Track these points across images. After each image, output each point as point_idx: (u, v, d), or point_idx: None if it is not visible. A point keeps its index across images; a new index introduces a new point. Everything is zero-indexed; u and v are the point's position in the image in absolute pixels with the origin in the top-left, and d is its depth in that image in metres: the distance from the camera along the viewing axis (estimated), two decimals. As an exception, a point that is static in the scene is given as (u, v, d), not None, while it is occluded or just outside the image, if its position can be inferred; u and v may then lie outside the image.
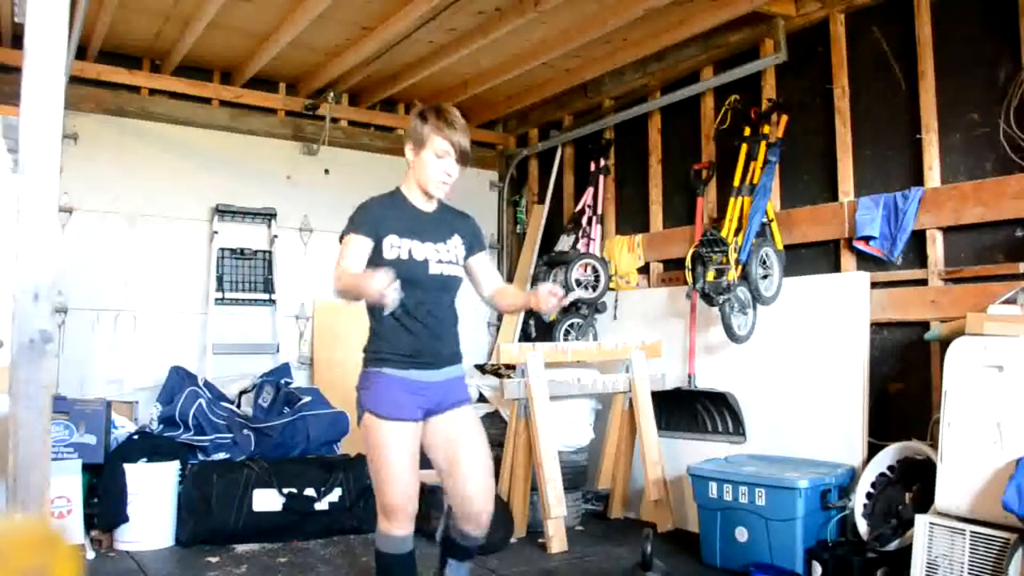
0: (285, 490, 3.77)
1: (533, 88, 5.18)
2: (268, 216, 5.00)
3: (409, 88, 5.00)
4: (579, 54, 4.58)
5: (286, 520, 3.76)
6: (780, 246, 3.87)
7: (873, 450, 3.31)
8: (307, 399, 4.22)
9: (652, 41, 4.33)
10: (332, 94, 4.99)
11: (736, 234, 3.80)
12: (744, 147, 3.95)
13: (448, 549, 2.63)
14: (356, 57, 4.54)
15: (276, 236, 5.01)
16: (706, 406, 4.08)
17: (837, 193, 3.75)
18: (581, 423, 4.14)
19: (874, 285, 3.55)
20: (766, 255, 3.78)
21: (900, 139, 3.54)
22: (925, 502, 2.86)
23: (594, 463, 4.24)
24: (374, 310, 2.43)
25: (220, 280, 4.82)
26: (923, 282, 3.41)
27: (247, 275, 4.93)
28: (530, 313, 5.39)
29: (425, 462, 2.46)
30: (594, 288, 4.64)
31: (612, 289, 4.72)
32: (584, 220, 4.95)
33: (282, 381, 4.40)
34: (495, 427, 4.19)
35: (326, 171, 5.25)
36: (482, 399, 4.49)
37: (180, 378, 4.26)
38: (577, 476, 4.15)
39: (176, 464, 3.76)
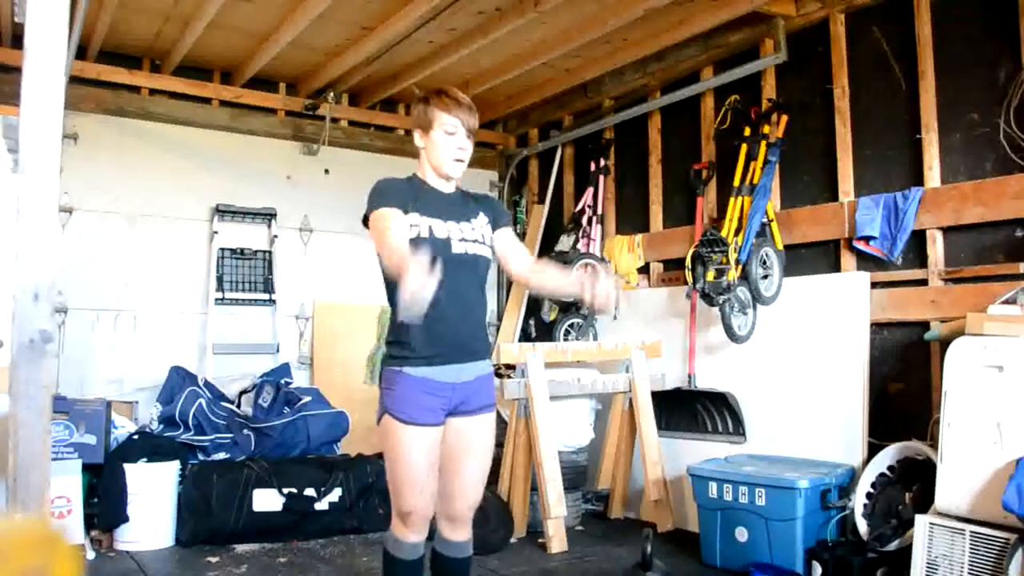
0: (285, 490, 3.77)
1: (533, 88, 5.18)
2: (268, 216, 5.00)
3: (409, 88, 5.00)
4: (579, 54, 4.58)
5: (286, 520, 3.76)
6: (780, 246, 3.87)
7: (873, 450, 3.31)
8: (307, 399, 4.22)
9: (652, 41, 4.33)
10: (332, 94, 4.99)
11: (736, 234, 3.80)
12: (744, 147, 3.95)
13: (441, 572, 2.48)
14: (356, 57, 4.54)
15: (276, 236, 5.01)
16: (706, 406, 4.08)
17: (837, 193, 3.74)
18: (581, 423, 4.14)
19: (874, 285, 3.55)
20: (766, 255, 3.78)
21: (900, 139, 3.54)
22: (925, 502, 2.86)
23: (594, 463, 4.23)
24: (389, 288, 2.29)
25: (220, 280, 4.82)
26: (923, 282, 3.41)
27: (247, 275, 4.93)
28: (530, 313, 5.40)
29: None
30: (594, 288, 4.63)
31: (612, 289, 4.71)
32: (584, 220, 4.95)
33: (282, 381, 4.40)
34: (495, 427, 4.19)
35: (326, 171, 5.26)
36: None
37: (180, 378, 4.26)
38: (577, 476, 4.15)
39: (176, 464, 3.76)
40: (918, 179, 3.44)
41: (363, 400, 4.59)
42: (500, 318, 5.67)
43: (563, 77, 4.96)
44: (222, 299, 4.81)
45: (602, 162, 4.99)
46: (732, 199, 3.90)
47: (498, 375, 4.49)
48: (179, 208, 4.80)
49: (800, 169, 3.95)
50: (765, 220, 3.84)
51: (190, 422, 4.01)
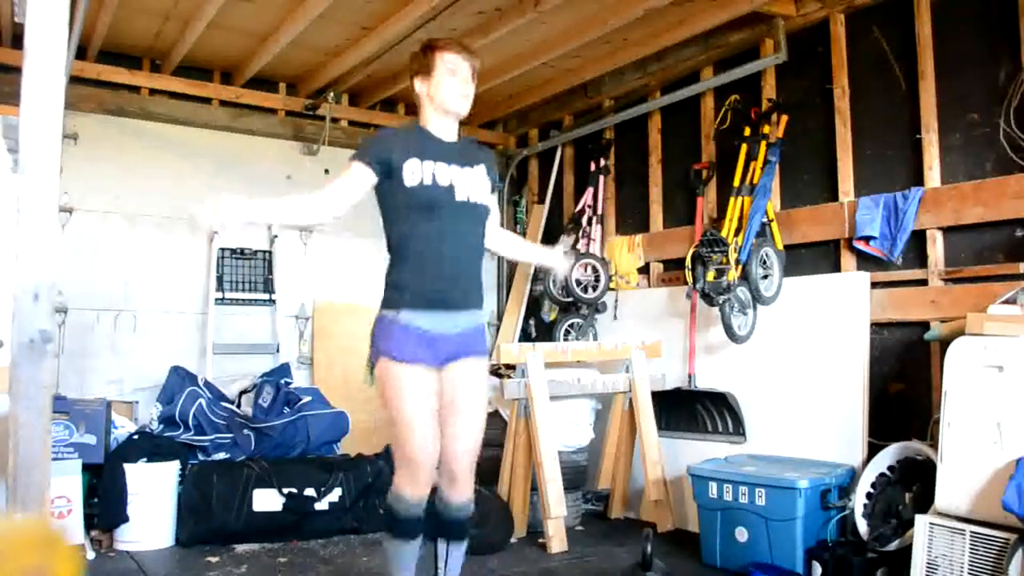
0: (285, 490, 3.77)
1: (533, 88, 5.18)
2: (268, 216, 5.00)
3: (409, 88, 4.99)
4: (579, 54, 4.58)
5: (286, 520, 3.76)
6: (780, 246, 3.87)
7: (873, 450, 3.31)
8: (307, 399, 4.22)
9: (652, 41, 4.33)
10: (332, 94, 4.99)
11: (736, 234, 3.80)
12: (744, 147, 3.95)
13: (438, 529, 2.52)
14: (356, 57, 4.54)
15: (276, 236, 5.01)
16: (706, 406, 4.08)
17: (837, 193, 3.74)
18: (581, 423, 4.14)
19: (874, 285, 3.55)
20: (766, 255, 3.78)
21: (900, 139, 3.54)
22: (925, 502, 2.86)
23: (594, 463, 4.23)
24: (390, 234, 2.39)
25: (220, 280, 4.81)
26: (923, 282, 3.41)
27: (247, 275, 4.93)
28: (530, 313, 5.40)
29: None
30: (594, 288, 4.64)
31: (612, 289, 4.72)
32: (584, 220, 4.94)
33: (282, 381, 4.40)
34: (495, 427, 4.18)
35: (326, 171, 5.25)
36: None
37: (180, 378, 4.26)
38: (577, 476, 4.15)
39: (176, 464, 3.76)
40: (918, 179, 3.44)
41: (363, 400, 4.59)
42: (500, 318, 5.67)
43: (563, 77, 4.96)
44: (222, 299, 4.81)
45: (602, 162, 4.99)
46: (732, 199, 3.90)
47: (498, 375, 4.50)
48: (179, 208, 4.79)
49: (800, 169, 3.95)
50: (765, 220, 3.84)
51: (190, 422, 4.01)
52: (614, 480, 4.21)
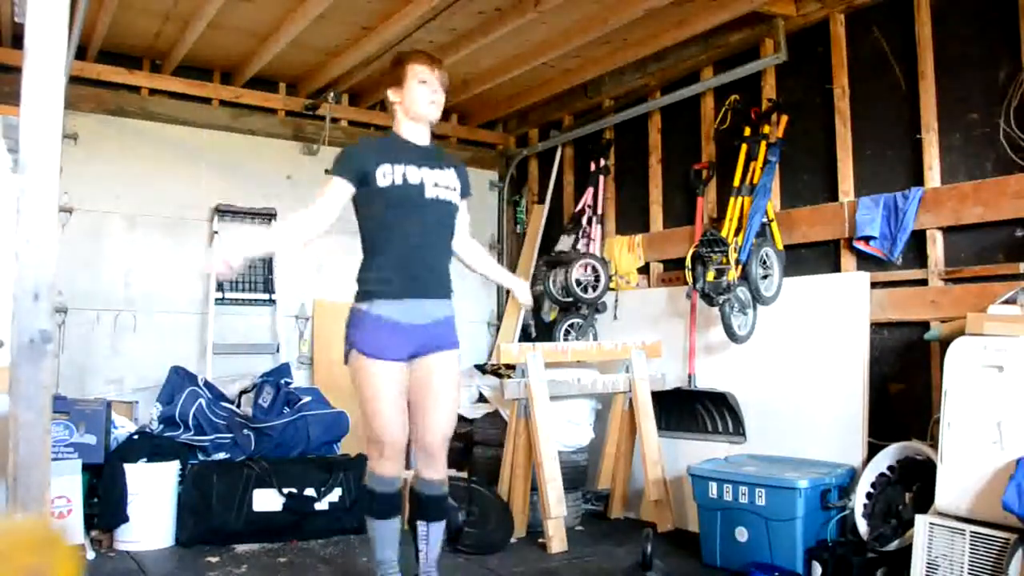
0: (285, 490, 3.77)
1: (533, 88, 5.18)
2: (268, 216, 5.00)
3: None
4: (579, 54, 4.58)
5: (286, 520, 3.76)
6: (780, 246, 3.87)
7: (873, 450, 3.31)
8: (307, 399, 4.22)
9: (652, 41, 4.33)
10: (332, 94, 4.99)
11: (736, 234, 3.80)
12: (744, 147, 3.95)
13: (418, 509, 2.71)
14: (356, 57, 4.54)
15: (276, 236, 5.01)
16: (706, 406, 4.08)
17: (837, 193, 3.74)
18: (581, 423, 4.14)
19: (874, 285, 3.55)
20: (766, 255, 3.78)
21: (900, 139, 3.54)
22: (925, 502, 2.86)
23: (594, 463, 4.23)
24: (365, 231, 2.60)
25: (220, 280, 4.81)
26: (923, 282, 3.41)
27: (247, 275, 4.92)
28: (530, 313, 5.40)
29: None
30: (594, 288, 4.64)
31: (612, 289, 4.72)
32: (584, 220, 4.94)
33: (282, 381, 4.40)
34: (495, 427, 4.19)
35: (326, 171, 5.16)
36: (482, 399, 4.49)
37: (180, 378, 4.25)
38: (577, 476, 4.15)
39: (176, 464, 3.76)
40: (918, 179, 3.44)
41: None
42: (500, 318, 5.67)
43: (563, 77, 4.96)
44: (222, 299, 4.81)
45: (602, 162, 4.99)
46: (732, 199, 3.90)
47: (498, 375, 4.50)
48: (179, 208, 4.79)
49: (800, 169, 3.95)
50: (765, 220, 3.84)
51: (190, 422, 4.01)
52: (614, 480, 4.21)
